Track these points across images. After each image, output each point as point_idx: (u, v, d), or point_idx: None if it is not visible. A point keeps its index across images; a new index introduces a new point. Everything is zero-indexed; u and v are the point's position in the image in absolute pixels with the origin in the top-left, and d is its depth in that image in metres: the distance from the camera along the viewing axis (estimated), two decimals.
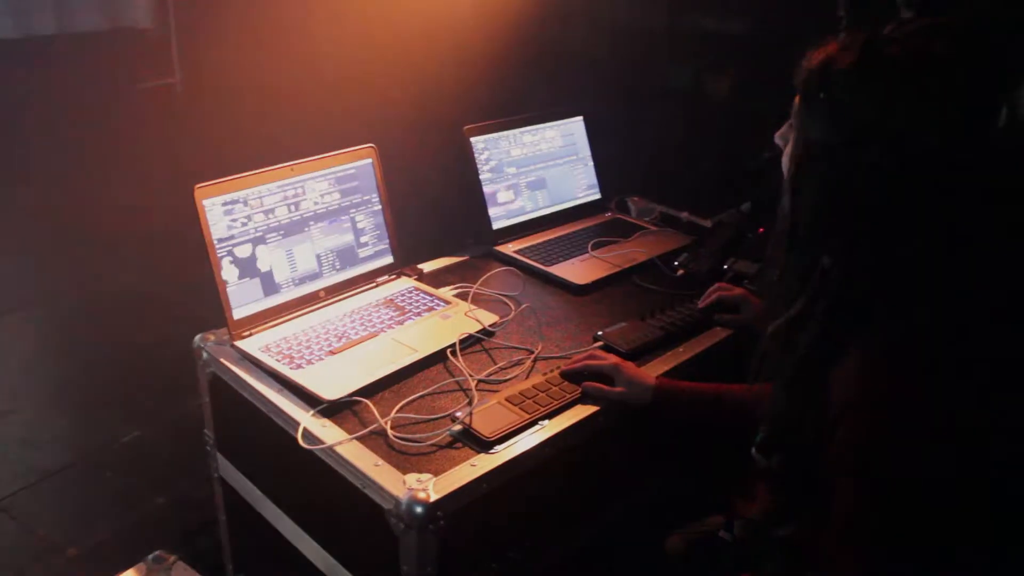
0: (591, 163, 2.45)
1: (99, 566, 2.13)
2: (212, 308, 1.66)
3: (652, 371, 1.63)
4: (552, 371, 1.61)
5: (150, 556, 1.67)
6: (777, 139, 1.24)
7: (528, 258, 2.11)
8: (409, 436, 1.42)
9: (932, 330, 1.07)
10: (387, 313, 1.79)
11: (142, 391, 2.87)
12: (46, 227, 3.13)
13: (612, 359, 1.59)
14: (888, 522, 1.03)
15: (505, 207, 2.23)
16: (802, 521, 1.28)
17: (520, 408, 1.49)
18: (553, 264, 2.09)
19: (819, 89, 1.09)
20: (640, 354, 1.70)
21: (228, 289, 1.65)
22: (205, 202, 1.62)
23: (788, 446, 1.23)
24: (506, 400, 1.51)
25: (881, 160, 1.04)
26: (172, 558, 1.66)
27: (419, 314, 1.79)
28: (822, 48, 1.11)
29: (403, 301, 1.84)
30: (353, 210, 1.87)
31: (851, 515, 1.04)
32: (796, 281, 1.15)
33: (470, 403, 1.51)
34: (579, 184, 2.42)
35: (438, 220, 2.37)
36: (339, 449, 1.39)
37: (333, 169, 1.83)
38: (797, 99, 1.15)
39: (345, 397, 1.51)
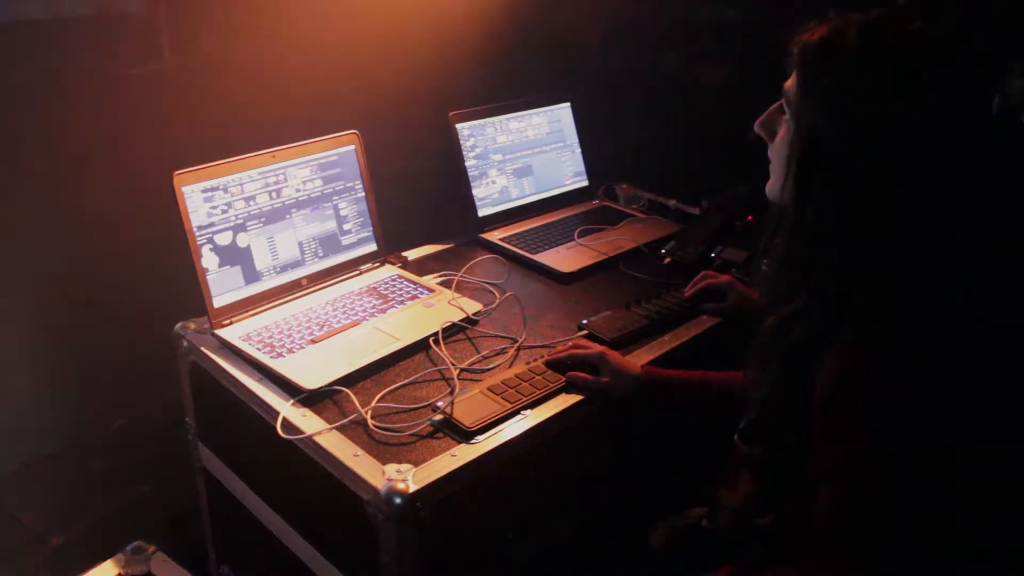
0: (578, 150, 2.43)
1: (84, 554, 2.12)
2: (198, 296, 1.64)
3: (637, 360, 1.62)
4: (535, 360, 1.59)
5: (129, 547, 1.66)
6: (757, 128, 1.22)
7: (514, 246, 2.09)
8: (389, 426, 1.41)
9: (922, 327, 1.06)
10: (370, 301, 1.77)
11: (129, 378, 2.84)
12: (31, 212, 3.10)
13: (597, 348, 1.58)
14: (868, 517, 1.02)
15: (491, 194, 2.21)
16: (782, 511, 1.27)
17: (502, 398, 1.47)
18: (539, 252, 2.07)
19: (822, 75, 1.07)
20: (625, 343, 1.69)
21: (208, 277, 1.63)
22: (184, 189, 1.60)
23: (770, 435, 1.22)
24: (488, 389, 1.50)
25: (889, 147, 1.03)
26: (151, 548, 1.65)
27: (402, 302, 1.77)
28: (817, 30, 1.09)
29: (386, 289, 1.82)
30: (336, 197, 1.85)
31: (832, 509, 1.03)
32: (799, 274, 1.12)
33: (452, 392, 1.49)
34: (566, 171, 2.40)
35: (423, 207, 2.35)
36: (318, 439, 1.38)
37: (315, 156, 1.81)
38: (789, 84, 1.13)
39: (325, 386, 1.49)
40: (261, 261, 1.72)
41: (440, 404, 1.45)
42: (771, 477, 1.28)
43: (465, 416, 1.42)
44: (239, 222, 1.68)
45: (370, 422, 1.41)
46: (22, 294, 3.09)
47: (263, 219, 1.72)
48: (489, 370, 1.59)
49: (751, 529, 1.34)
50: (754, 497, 1.34)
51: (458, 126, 2.15)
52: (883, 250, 1.07)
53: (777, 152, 1.19)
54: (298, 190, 1.78)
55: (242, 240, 1.69)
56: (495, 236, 2.14)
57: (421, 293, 1.81)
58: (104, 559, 1.81)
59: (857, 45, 1.04)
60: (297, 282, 1.78)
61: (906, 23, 1.05)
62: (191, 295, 1.64)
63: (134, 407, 2.76)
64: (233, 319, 1.67)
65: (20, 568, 2.26)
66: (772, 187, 1.21)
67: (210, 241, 1.64)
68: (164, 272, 1.92)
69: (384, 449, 1.37)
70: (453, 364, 1.58)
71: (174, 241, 1.63)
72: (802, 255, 1.12)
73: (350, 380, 1.53)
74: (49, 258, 3.09)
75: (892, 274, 1.07)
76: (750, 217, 2.15)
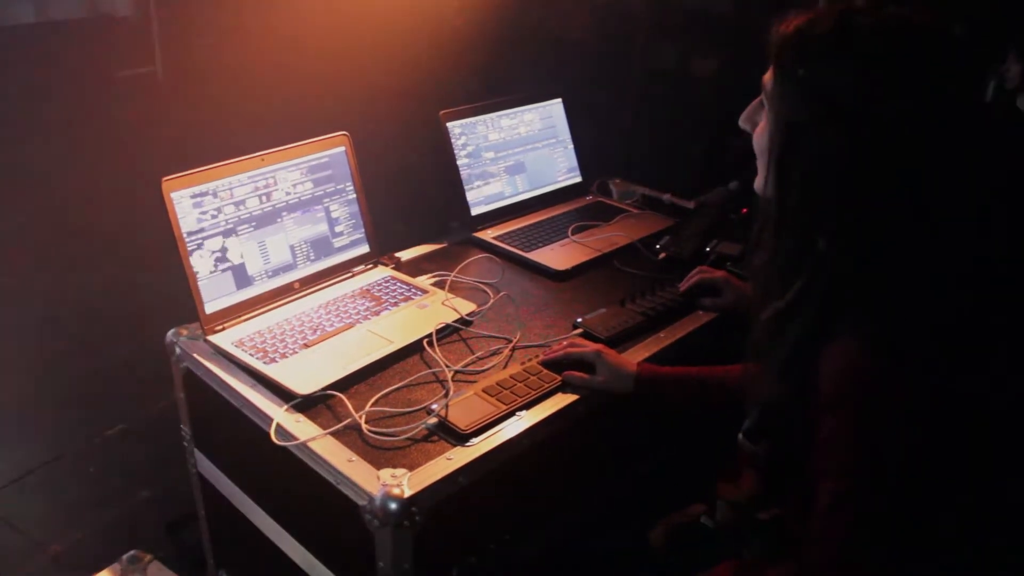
0: (571, 146, 2.41)
1: (83, 562, 2.11)
2: (191, 302, 1.63)
3: (633, 357, 1.61)
4: (530, 360, 1.58)
5: (125, 556, 1.65)
6: (743, 123, 1.20)
7: (507, 244, 2.08)
8: (384, 430, 1.40)
9: (922, 320, 1.04)
10: (363, 304, 1.76)
11: (127, 383, 2.84)
12: (22, 218, 3.09)
13: (593, 346, 1.57)
14: (867, 516, 1.01)
15: (483, 193, 2.20)
16: (786, 506, 1.26)
17: (497, 399, 1.46)
18: (532, 250, 2.06)
19: (796, 64, 1.06)
20: (620, 340, 1.68)
21: (199, 283, 1.62)
22: (173, 195, 1.59)
23: (776, 433, 1.21)
24: (483, 391, 1.48)
25: (866, 135, 1.01)
26: (148, 557, 1.64)
27: (395, 304, 1.76)
28: (793, 20, 1.07)
29: (379, 291, 1.81)
30: (327, 199, 1.84)
31: (830, 507, 1.02)
32: (789, 265, 1.11)
33: (446, 395, 1.48)
34: (559, 167, 2.39)
35: (416, 207, 2.35)
36: (312, 445, 1.37)
37: (305, 158, 1.80)
38: (768, 76, 1.12)
39: (319, 391, 1.48)
40: (252, 266, 1.71)
41: (434, 407, 1.44)
42: (776, 474, 1.27)
43: (460, 419, 1.41)
44: (229, 227, 1.67)
45: (364, 427, 1.40)
46: (17, 300, 3.08)
47: (254, 223, 1.71)
48: (484, 371, 1.58)
49: (751, 524, 1.33)
50: (758, 493, 1.33)
51: (449, 125, 2.13)
52: (869, 242, 1.05)
53: (758, 145, 1.18)
54: (288, 193, 1.77)
55: (233, 245, 1.67)
56: (488, 235, 2.13)
57: (414, 294, 1.80)
58: (104, 565, 1.80)
59: (831, 33, 1.03)
60: (289, 286, 1.77)
61: (883, 9, 1.03)
62: (185, 301, 1.63)
63: (131, 414, 2.76)
64: (225, 325, 1.65)
65: None
66: (758, 182, 1.20)
67: (200, 247, 1.62)
68: (158, 278, 1.91)
69: (379, 454, 1.36)
70: (447, 366, 1.57)
71: (167, 247, 1.62)
72: (789, 249, 1.11)
73: (344, 384, 1.51)
74: (44, 263, 3.08)
75: (881, 266, 1.06)
76: (744, 210, 2.14)
